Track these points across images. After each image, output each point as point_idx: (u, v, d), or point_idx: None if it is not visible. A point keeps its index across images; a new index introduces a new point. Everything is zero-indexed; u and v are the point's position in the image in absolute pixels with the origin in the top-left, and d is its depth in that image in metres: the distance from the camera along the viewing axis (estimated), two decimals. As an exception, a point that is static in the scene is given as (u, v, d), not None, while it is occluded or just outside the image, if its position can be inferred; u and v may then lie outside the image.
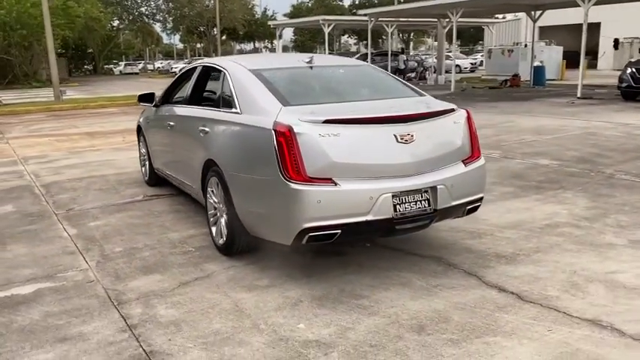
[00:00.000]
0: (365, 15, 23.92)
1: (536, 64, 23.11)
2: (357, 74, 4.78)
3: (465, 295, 3.56)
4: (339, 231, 3.54)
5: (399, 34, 58.56)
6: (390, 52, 28.63)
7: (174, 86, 5.87)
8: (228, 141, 4.20)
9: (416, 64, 33.65)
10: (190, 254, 4.44)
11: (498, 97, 18.38)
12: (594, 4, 16.18)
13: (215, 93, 4.75)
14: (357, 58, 28.60)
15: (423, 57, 38.75)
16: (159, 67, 58.95)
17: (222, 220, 4.25)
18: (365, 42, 67.16)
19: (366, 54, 28.10)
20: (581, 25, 16.42)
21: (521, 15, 37.73)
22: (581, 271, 3.89)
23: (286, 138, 3.48)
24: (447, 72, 36.94)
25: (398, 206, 3.61)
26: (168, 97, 5.92)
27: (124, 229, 5.12)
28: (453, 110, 4.03)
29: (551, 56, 26.46)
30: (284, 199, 3.53)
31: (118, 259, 4.38)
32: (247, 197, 3.91)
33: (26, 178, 7.53)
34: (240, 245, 4.17)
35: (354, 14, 27.70)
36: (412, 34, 67.49)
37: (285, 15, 66.57)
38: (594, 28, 34.70)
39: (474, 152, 4.07)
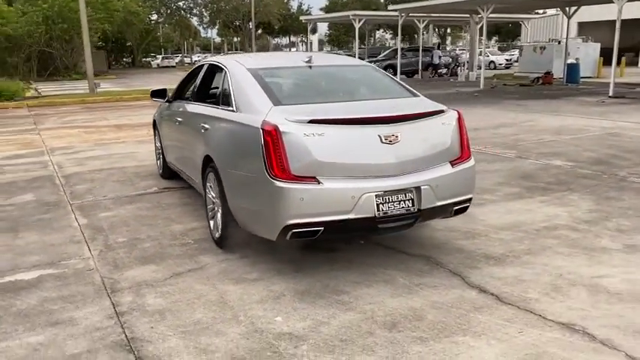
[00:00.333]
0: (395, 10, 23.76)
1: (570, 61, 22.59)
2: (354, 74, 4.86)
3: (445, 295, 3.61)
4: (322, 228, 3.64)
5: (434, 29, 57.97)
6: (421, 48, 28.35)
7: (185, 83, 6.05)
8: (223, 138, 4.34)
9: (450, 59, 33.34)
10: (188, 246, 4.61)
11: (527, 95, 18.08)
12: (630, 0, 15.72)
13: (217, 91, 4.90)
14: (388, 53, 28.63)
15: (459, 52, 38.33)
16: (195, 61, 59.90)
17: (218, 215, 4.40)
18: (400, 37, 66.70)
19: (397, 49, 28.02)
20: (623, 21, 15.97)
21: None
22: (567, 274, 3.89)
23: (272, 137, 3.60)
24: (480, 68, 36.57)
25: (381, 205, 3.69)
26: (178, 94, 6.10)
27: (131, 221, 5.33)
28: (441, 112, 4.07)
29: (588, 53, 25.80)
30: (269, 196, 3.65)
31: (119, 249, 4.58)
32: (238, 193, 4.05)
33: (50, 169, 7.87)
34: (233, 239, 4.31)
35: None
36: (448, 29, 66.75)
37: (321, 9, 66.61)
38: (637, 24, 33.63)
39: (463, 153, 4.10)
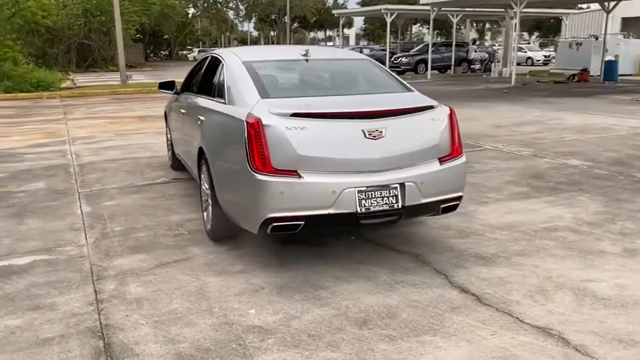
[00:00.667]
0: (427, 5, 23.43)
1: (608, 58, 21.86)
2: (350, 68, 4.80)
3: (424, 294, 3.55)
4: (302, 222, 3.63)
5: (472, 24, 56.94)
6: (454, 43, 27.91)
7: (191, 75, 6.10)
8: (213, 130, 4.37)
9: (487, 54, 32.71)
10: (181, 237, 4.66)
11: (559, 92, 17.59)
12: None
13: (214, 83, 4.93)
14: (420, 48, 28.25)
15: (496, 48, 37.56)
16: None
17: (210, 206, 4.44)
18: (437, 31, 65.80)
19: (430, 43, 27.62)
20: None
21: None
22: (556, 277, 3.78)
23: (255, 129, 3.59)
24: (518, 64, 35.73)
25: (363, 201, 3.64)
26: (185, 86, 6.16)
27: (132, 210, 5.42)
28: (431, 107, 3.99)
29: (629, 50, 24.90)
30: (250, 189, 3.65)
31: (114, 237, 4.67)
32: (224, 185, 4.07)
33: (67, 158, 8.07)
34: (221, 231, 4.34)
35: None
36: (487, 24, 65.39)
37: (357, 3, 66.27)
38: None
39: (453, 150, 4.01)
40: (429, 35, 73.13)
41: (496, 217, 5.05)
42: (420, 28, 74.28)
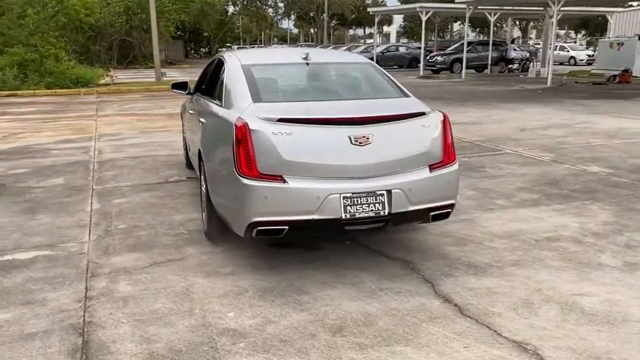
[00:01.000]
0: (463, 3, 23.04)
1: (652, 58, 21.04)
2: (348, 72, 4.78)
3: (406, 302, 3.52)
4: (287, 227, 3.65)
5: (514, 23, 55.66)
6: (491, 41, 27.38)
7: (203, 76, 6.19)
8: (210, 132, 4.44)
9: (528, 54, 31.95)
10: (180, 237, 4.75)
11: (597, 94, 17.05)
12: None
13: (216, 85, 4.99)
14: (457, 47, 27.81)
15: (539, 47, 36.65)
16: (269, 51, 60.83)
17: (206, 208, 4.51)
18: (477, 30, 64.68)
19: (469, 42, 27.22)
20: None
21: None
22: (546, 289, 3.68)
23: (242, 134, 3.64)
24: (560, 64, 34.73)
25: (349, 207, 3.64)
26: (197, 86, 6.26)
27: (139, 208, 5.55)
28: (422, 114, 3.94)
29: (675, 50, 23.87)
30: (237, 192, 3.70)
31: (116, 235, 4.80)
32: (216, 188, 4.13)
33: (89, 154, 8.31)
34: (216, 232, 4.40)
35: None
36: (532, 22, 63.84)
37: (398, 0, 65.71)
38: None
39: (445, 157, 3.96)
40: (472, 33, 72.07)
41: (499, 225, 4.96)
42: (461, 26, 73.25)
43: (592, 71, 25.85)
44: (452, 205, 4.03)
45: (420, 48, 28.98)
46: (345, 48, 41.23)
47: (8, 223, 5.10)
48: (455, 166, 4.01)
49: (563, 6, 19.00)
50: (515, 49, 31.30)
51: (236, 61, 4.64)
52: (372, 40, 39.16)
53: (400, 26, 74.98)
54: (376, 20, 31.55)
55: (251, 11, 60.25)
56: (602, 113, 12.45)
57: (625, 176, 6.69)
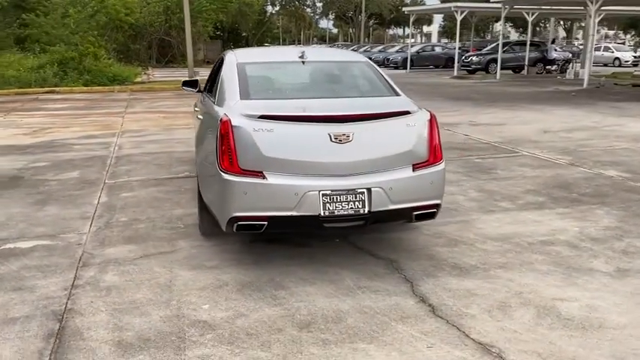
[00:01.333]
0: (498, 2, 22.61)
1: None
2: (341, 71, 4.78)
3: (381, 301, 3.52)
4: (266, 223, 3.70)
5: (558, 22, 54.27)
6: (528, 42, 26.78)
7: (210, 74, 6.30)
8: (201, 128, 4.53)
9: (570, 54, 31.10)
10: (175, 230, 4.86)
11: (634, 96, 16.49)
12: None
13: (215, 82, 5.09)
14: (493, 47, 27.30)
15: (581, 47, 35.64)
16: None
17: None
18: (520, 30, 63.27)
19: (505, 42, 26.71)
20: None
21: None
22: (527, 293, 3.62)
23: (225, 130, 3.70)
24: (605, 65, 33.64)
25: (328, 205, 3.66)
26: (205, 85, 6.38)
27: (143, 202, 5.70)
28: (407, 113, 3.92)
29: None
30: (219, 187, 3.77)
31: (115, 227, 4.94)
32: (203, 182, 4.22)
33: (109, 149, 8.56)
34: (206, 226, 4.48)
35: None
36: (577, 22, 62.12)
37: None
38: None
39: (430, 157, 3.93)
40: (515, 33, 70.64)
41: (495, 228, 4.88)
42: (503, 26, 71.77)
43: (635, 73, 24.99)
44: (437, 205, 3.99)
45: (458, 48, 28.59)
46: (380, 48, 41.06)
47: (17, 214, 5.32)
48: (440, 166, 3.98)
49: (602, 5, 18.41)
50: (556, 50, 30.48)
51: (233, 59, 4.72)
52: (411, 39, 38.85)
53: (440, 26, 74.16)
54: (411, 20, 31.31)
55: (290, 11, 60.63)
56: (636, 116, 12.04)
57: (641, 181, 6.48)
